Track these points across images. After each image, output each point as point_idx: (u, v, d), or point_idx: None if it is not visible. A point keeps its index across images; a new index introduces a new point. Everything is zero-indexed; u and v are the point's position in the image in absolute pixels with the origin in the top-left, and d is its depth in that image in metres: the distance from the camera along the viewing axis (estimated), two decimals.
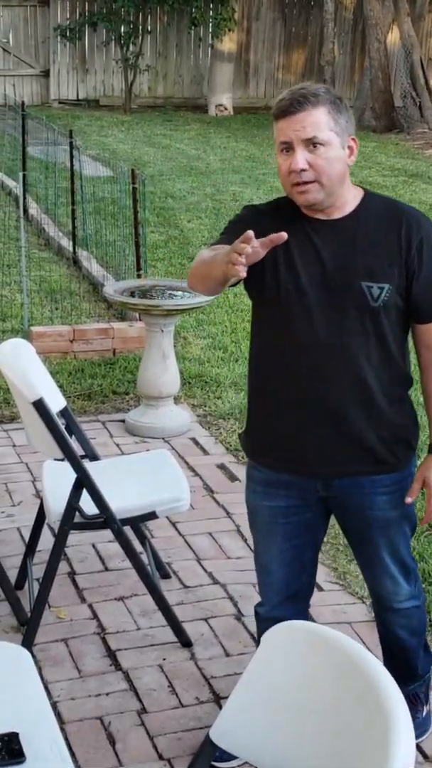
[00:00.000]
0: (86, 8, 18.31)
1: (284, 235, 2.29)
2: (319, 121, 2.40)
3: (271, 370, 2.59)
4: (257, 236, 2.26)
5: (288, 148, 2.43)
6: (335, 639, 2.00)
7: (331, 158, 2.42)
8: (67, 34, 17.96)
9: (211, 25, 18.58)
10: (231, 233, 2.51)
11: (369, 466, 2.59)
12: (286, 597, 2.79)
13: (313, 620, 3.48)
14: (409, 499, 2.63)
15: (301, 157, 2.40)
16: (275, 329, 2.57)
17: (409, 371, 2.64)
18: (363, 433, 2.55)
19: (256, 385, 2.69)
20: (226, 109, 18.39)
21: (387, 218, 2.50)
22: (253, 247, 2.24)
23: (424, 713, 3.00)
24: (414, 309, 2.53)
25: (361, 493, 2.62)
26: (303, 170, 2.41)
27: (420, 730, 2.94)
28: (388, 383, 2.55)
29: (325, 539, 3.99)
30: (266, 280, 2.53)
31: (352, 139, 2.48)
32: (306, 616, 2.91)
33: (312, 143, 2.40)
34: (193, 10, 17.96)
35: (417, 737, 2.87)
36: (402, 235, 2.48)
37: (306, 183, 2.42)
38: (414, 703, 2.96)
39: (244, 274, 2.27)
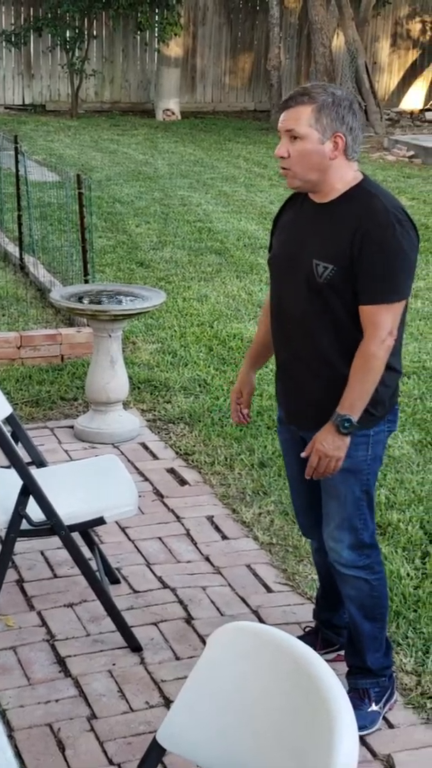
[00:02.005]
0: (31, 13, 18.21)
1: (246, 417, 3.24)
2: (299, 117, 2.74)
3: (272, 329, 3.05)
4: (280, 225, 3.00)
5: (280, 137, 2.82)
6: (281, 639, 2.01)
7: (305, 151, 2.75)
8: (12, 39, 17.83)
9: (157, 29, 18.58)
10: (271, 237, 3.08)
11: (322, 423, 2.85)
12: (314, 519, 3.12)
13: (262, 620, 3.50)
14: (303, 454, 2.88)
15: (283, 146, 2.78)
16: (270, 293, 3.06)
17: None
18: (318, 393, 2.88)
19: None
20: (173, 113, 18.41)
21: (355, 210, 2.77)
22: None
23: (369, 709, 3.03)
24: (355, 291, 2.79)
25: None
26: (282, 157, 2.79)
27: (364, 722, 2.97)
28: (342, 352, 2.82)
29: (273, 541, 4.04)
30: (272, 250, 3.04)
31: (338, 135, 2.75)
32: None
33: (292, 135, 2.75)
34: (139, 14, 17.95)
35: (360, 729, 2.90)
36: (358, 227, 2.74)
37: (285, 169, 2.81)
38: (362, 696, 3.01)
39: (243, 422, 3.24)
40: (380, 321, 2.74)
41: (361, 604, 3.02)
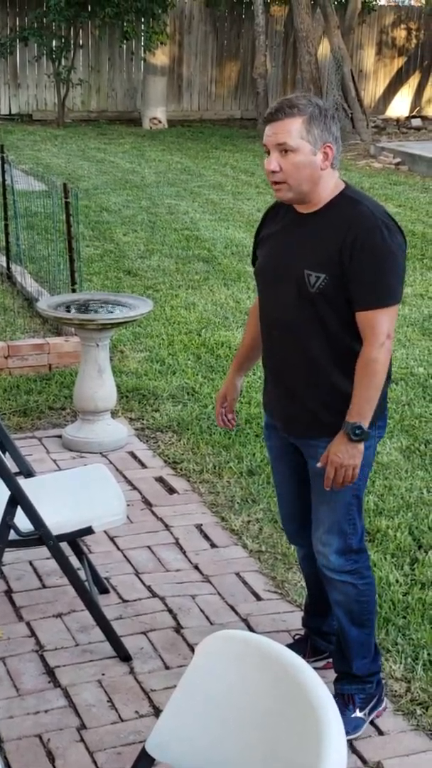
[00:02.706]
0: (17, 23, 18.23)
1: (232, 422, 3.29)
2: (290, 129, 2.74)
3: (261, 331, 3.07)
4: (263, 237, 3.01)
5: (267, 151, 2.80)
6: (269, 648, 2.01)
7: (298, 163, 2.76)
8: None
9: (143, 38, 18.61)
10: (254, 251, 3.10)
11: (315, 430, 2.92)
12: (300, 525, 3.15)
13: (252, 628, 3.50)
14: (318, 464, 2.86)
15: (274, 161, 2.78)
16: (259, 303, 3.07)
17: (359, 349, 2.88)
18: (311, 400, 2.91)
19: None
20: (160, 122, 18.43)
21: (342, 217, 2.80)
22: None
23: (353, 715, 3.03)
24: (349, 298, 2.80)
25: (308, 445, 2.98)
26: (274, 171, 2.78)
27: (347, 727, 2.96)
28: (334, 359, 2.85)
29: (263, 549, 4.04)
30: (257, 262, 3.04)
31: (328, 146, 2.78)
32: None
33: (283, 149, 2.75)
34: (125, 24, 17.98)
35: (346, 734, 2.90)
36: (346, 234, 2.76)
37: (277, 183, 2.80)
38: (346, 702, 3.01)
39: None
40: (377, 325, 2.75)
41: (349, 609, 3.03)
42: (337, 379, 2.85)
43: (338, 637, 3.12)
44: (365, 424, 2.78)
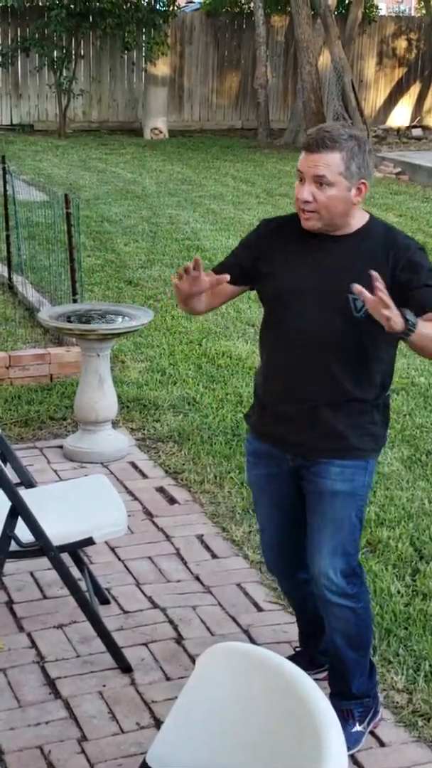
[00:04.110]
0: (18, 33, 18.29)
1: (226, 277, 2.84)
2: (331, 164, 2.74)
3: (270, 358, 3.00)
4: (260, 255, 2.94)
5: (302, 177, 2.80)
6: (270, 660, 2.01)
7: (333, 197, 2.76)
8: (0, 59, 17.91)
9: (144, 49, 18.67)
10: (233, 255, 3.07)
11: (339, 452, 2.90)
12: (279, 554, 3.17)
13: (253, 639, 3.49)
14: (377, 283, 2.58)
15: (308, 191, 2.77)
16: (272, 326, 2.98)
17: (384, 377, 2.92)
18: (331, 417, 2.88)
19: (261, 371, 3.07)
20: (161, 132, 18.47)
21: (381, 241, 2.82)
22: (194, 274, 2.81)
23: (354, 729, 3.02)
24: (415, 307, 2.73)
25: (318, 463, 2.93)
26: (307, 201, 2.77)
27: (348, 742, 2.95)
28: (359, 383, 2.85)
29: (264, 560, 4.02)
30: (266, 288, 2.97)
31: (363, 182, 2.79)
32: (307, 586, 3.11)
33: (320, 182, 2.75)
34: (126, 34, 18.04)
35: (348, 749, 2.89)
36: (390, 256, 2.78)
37: (308, 212, 2.79)
38: (345, 717, 3.00)
39: (180, 285, 2.85)
40: None
41: (347, 634, 3.00)
42: (359, 397, 2.87)
43: (333, 659, 3.09)
44: (415, 329, 2.61)
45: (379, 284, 2.54)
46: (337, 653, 3.04)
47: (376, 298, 2.54)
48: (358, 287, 2.58)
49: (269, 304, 2.99)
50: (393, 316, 2.56)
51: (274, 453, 3.01)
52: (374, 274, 2.58)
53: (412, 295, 2.76)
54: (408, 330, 2.60)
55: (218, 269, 3.01)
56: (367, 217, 2.90)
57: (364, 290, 2.56)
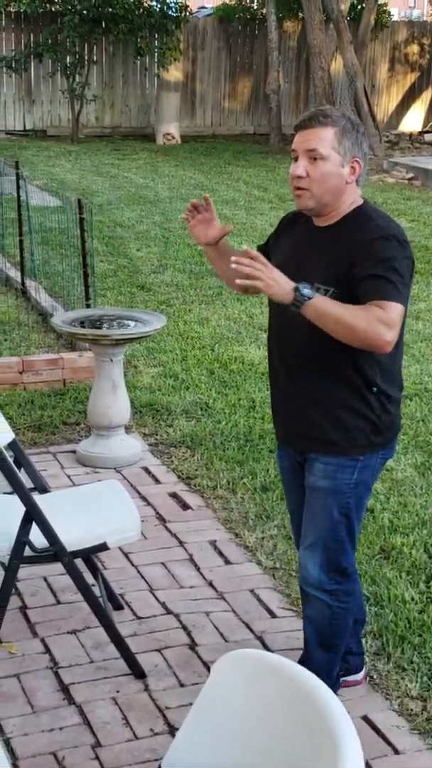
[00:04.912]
0: (31, 39, 18.35)
1: (229, 227, 3.08)
2: (323, 137, 2.75)
3: (268, 350, 3.09)
4: (278, 246, 3.01)
5: (296, 157, 2.81)
6: (284, 666, 2.01)
7: (326, 172, 2.77)
8: (13, 65, 17.96)
9: (156, 54, 18.71)
10: (259, 249, 3.05)
11: (317, 446, 2.93)
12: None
13: (266, 646, 3.49)
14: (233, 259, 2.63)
15: (301, 166, 2.78)
16: (269, 317, 3.06)
17: (368, 372, 2.83)
18: (313, 413, 2.90)
19: (268, 365, 3.12)
20: (173, 137, 18.50)
21: (353, 231, 2.79)
22: (206, 216, 3.05)
23: None
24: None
25: (308, 458, 2.99)
26: (300, 177, 2.78)
27: None
28: (342, 374, 2.83)
29: (277, 566, 4.03)
30: None
31: (356, 160, 2.80)
32: None
33: (313, 156, 2.76)
34: (138, 40, 18.08)
35: None
36: (351, 245, 2.75)
37: (301, 189, 2.79)
38: None
39: (201, 237, 3.08)
40: (388, 311, 2.61)
41: (319, 628, 3.04)
42: (344, 394, 2.86)
43: (303, 653, 3.13)
44: (312, 296, 2.61)
45: (251, 252, 2.61)
46: (307, 650, 3.09)
47: (249, 267, 2.57)
48: (233, 258, 2.59)
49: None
50: (266, 280, 2.57)
51: (283, 445, 3.13)
52: (246, 248, 2.62)
53: (358, 285, 2.70)
54: (296, 301, 2.60)
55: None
56: (359, 203, 2.86)
57: (241, 259, 2.58)
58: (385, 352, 2.66)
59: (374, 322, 2.60)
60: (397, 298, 2.65)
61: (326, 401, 2.89)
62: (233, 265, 2.62)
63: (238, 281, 2.66)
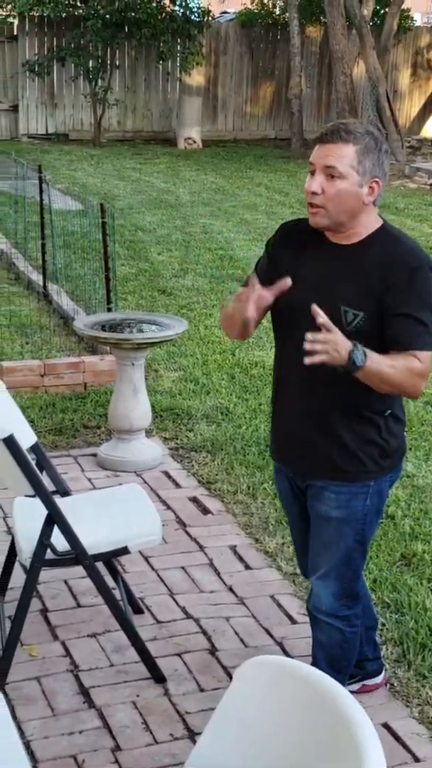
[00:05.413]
0: (54, 43, 18.43)
1: (288, 281, 2.67)
2: (343, 155, 2.64)
3: (273, 368, 2.98)
4: (284, 261, 2.78)
5: (313, 171, 2.69)
6: (306, 673, 2.00)
7: (342, 191, 2.65)
8: (36, 69, 18.04)
9: (179, 59, 18.76)
10: (258, 266, 2.92)
11: (325, 472, 2.84)
12: (304, 563, 3.10)
13: (286, 652, 3.48)
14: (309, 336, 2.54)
15: (317, 182, 2.67)
16: (277, 336, 2.93)
17: (383, 397, 2.75)
18: (323, 441, 2.81)
19: (273, 382, 3.01)
20: (195, 142, 18.53)
21: (384, 253, 2.69)
22: (260, 293, 2.66)
23: None
24: (388, 338, 2.67)
25: (316, 486, 2.90)
26: (315, 193, 2.67)
27: None
28: (357, 402, 2.74)
29: (297, 571, 4.01)
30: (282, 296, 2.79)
31: (375, 181, 2.68)
32: None
33: (330, 173, 2.64)
34: (161, 44, 18.13)
35: None
36: (387, 270, 2.66)
37: (315, 206, 2.68)
38: None
39: (252, 314, 2.67)
40: (425, 362, 2.65)
41: (330, 653, 3.00)
42: (356, 420, 2.78)
43: None
44: (363, 364, 2.54)
45: (321, 318, 2.51)
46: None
47: (323, 345, 2.49)
48: (315, 308, 2.52)
49: (273, 312, 2.86)
50: (331, 353, 2.50)
51: (284, 469, 3.02)
52: (314, 308, 2.51)
53: (389, 322, 2.64)
54: (347, 367, 2.54)
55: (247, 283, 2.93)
56: (380, 223, 2.77)
57: (316, 337, 2.49)
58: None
59: (413, 377, 2.63)
60: (431, 346, 2.66)
61: (337, 428, 2.79)
62: (308, 345, 2.50)
63: (307, 361, 2.52)
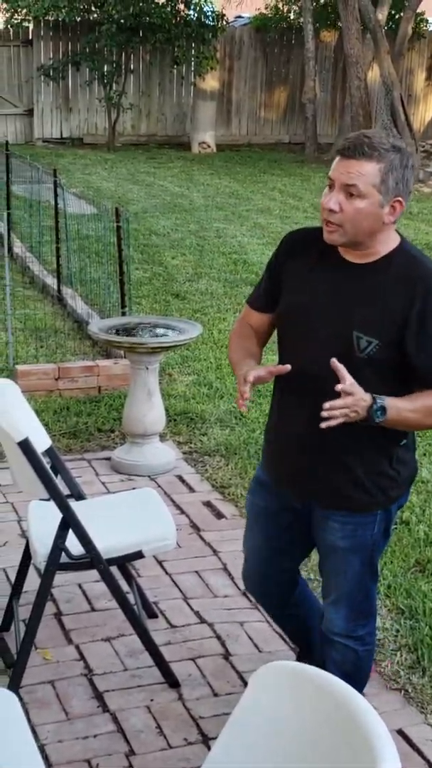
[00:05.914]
0: (69, 48, 18.49)
1: (287, 368, 2.56)
2: (365, 173, 2.46)
3: (274, 385, 2.81)
4: (281, 274, 2.69)
5: (332, 185, 2.53)
6: (321, 678, 2.00)
7: (362, 211, 2.48)
8: (51, 73, 18.12)
9: (193, 63, 18.79)
10: (262, 281, 2.84)
11: (330, 503, 2.75)
12: (264, 587, 3.08)
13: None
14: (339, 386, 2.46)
15: (335, 199, 2.50)
16: (280, 351, 2.76)
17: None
18: (331, 471, 2.69)
19: (274, 400, 2.87)
20: (209, 146, 18.55)
21: (404, 276, 2.54)
22: (259, 377, 2.57)
23: None
24: (411, 372, 2.56)
25: (319, 515, 2.80)
26: (332, 211, 2.50)
27: None
28: (367, 431, 2.56)
29: (311, 576, 4.01)
30: (283, 301, 2.72)
31: (398, 200, 2.51)
32: (297, 620, 3.17)
33: (350, 192, 2.48)
34: (176, 49, 18.17)
35: None
36: (408, 297, 2.51)
37: (332, 224, 2.52)
38: None
39: (245, 410, 2.68)
40: None
41: (345, 672, 2.89)
42: (369, 452, 2.65)
43: None
44: (387, 416, 2.48)
45: (341, 385, 2.42)
46: None
47: (343, 409, 2.41)
48: (335, 363, 2.43)
49: (279, 325, 2.76)
50: (350, 415, 2.42)
51: (273, 488, 2.88)
52: (334, 362, 2.43)
53: (411, 354, 2.51)
54: (367, 422, 2.47)
55: (251, 300, 2.90)
56: (398, 241, 2.60)
57: (334, 405, 2.40)
58: None
59: None
60: None
61: (347, 458, 2.66)
62: (325, 413, 2.41)
63: (323, 425, 2.43)
